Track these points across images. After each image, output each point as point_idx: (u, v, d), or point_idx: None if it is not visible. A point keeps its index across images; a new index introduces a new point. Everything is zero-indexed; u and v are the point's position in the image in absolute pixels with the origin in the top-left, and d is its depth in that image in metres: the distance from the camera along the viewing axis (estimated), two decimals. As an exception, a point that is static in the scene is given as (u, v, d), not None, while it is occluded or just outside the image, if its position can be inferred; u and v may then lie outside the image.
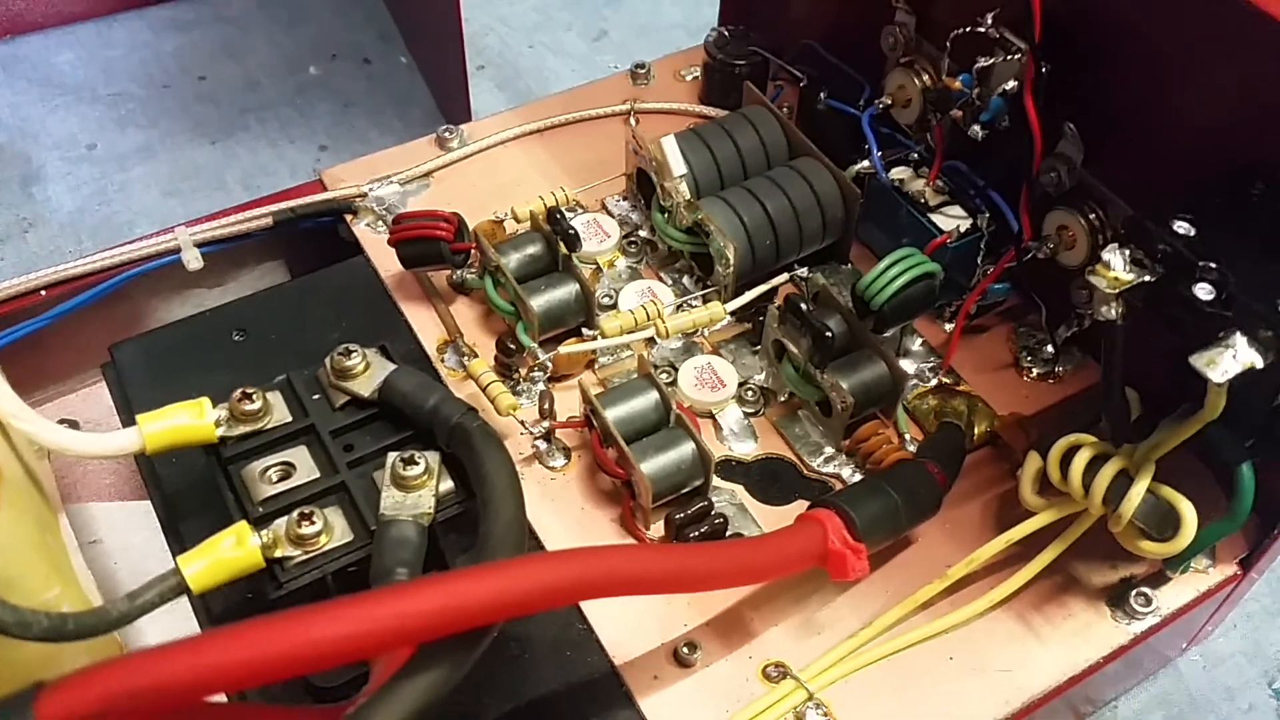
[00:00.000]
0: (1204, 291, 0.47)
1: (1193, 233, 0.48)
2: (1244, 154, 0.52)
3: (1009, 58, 0.58)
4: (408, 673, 0.40)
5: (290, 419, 0.53)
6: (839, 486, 0.59)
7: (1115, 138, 0.57)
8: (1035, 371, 0.65)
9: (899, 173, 0.67)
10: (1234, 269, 0.46)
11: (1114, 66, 0.56)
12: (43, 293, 0.66)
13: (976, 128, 0.60)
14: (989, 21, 0.58)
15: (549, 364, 0.62)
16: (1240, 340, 0.45)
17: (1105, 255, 0.48)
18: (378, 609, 0.37)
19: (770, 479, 0.60)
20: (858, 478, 0.59)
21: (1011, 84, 0.58)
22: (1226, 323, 0.46)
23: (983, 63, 0.58)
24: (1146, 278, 0.48)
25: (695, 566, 0.47)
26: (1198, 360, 0.45)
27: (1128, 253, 0.48)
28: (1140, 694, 0.68)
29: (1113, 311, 0.49)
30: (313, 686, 0.50)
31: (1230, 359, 0.45)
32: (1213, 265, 0.47)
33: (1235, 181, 0.51)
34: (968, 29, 0.59)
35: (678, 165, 0.65)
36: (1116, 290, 0.48)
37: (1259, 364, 0.45)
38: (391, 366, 0.54)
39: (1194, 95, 0.54)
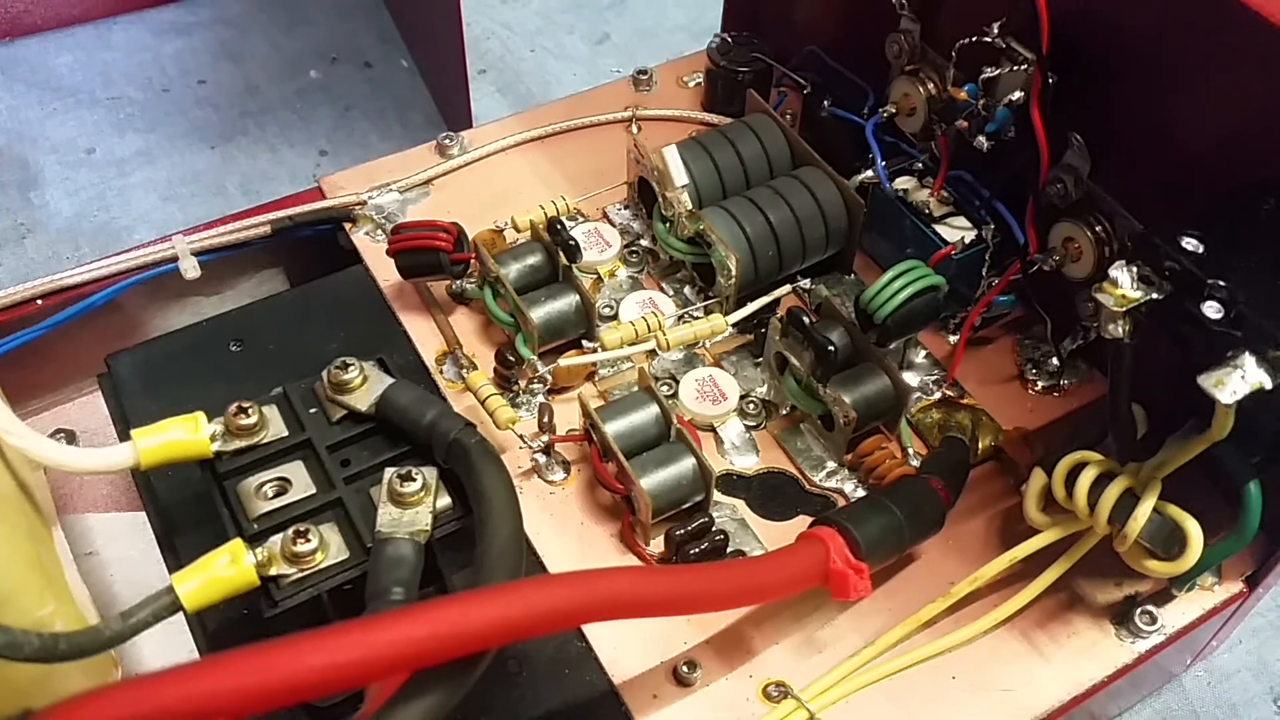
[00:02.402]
0: (1213, 310, 0.46)
1: (1201, 249, 0.47)
2: (1254, 169, 0.51)
3: (1015, 68, 0.57)
4: (404, 697, 0.39)
5: (286, 433, 0.52)
6: (841, 501, 0.59)
7: (1122, 150, 0.56)
8: (1040, 384, 0.64)
9: (903, 183, 0.66)
10: (1243, 287, 0.46)
11: (1121, 78, 0.56)
12: (39, 302, 0.65)
13: (982, 139, 0.59)
14: (995, 31, 0.57)
15: (548, 376, 0.61)
16: (1249, 360, 0.44)
17: (1113, 273, 0.47)
18: (375, 636, 0.37)
19: (772, 493, 0.59)
20: (860, 492, 0.59)
21: (1018, 94, 0.57)
22: (1235, 342, 0.45)
23: (989, 73, 0.58)
24: (1154, 295, 0.47)
25: (695, 589, 0.47)
26: (1206, 380, 0.44)
27: (1135, 270, 0.48)
28: (1144, 710, 0.67)
29: (1120, 329, 0.48)
30: (309, 705, 0.50)
31: (1239, 379, 0.44)
32: (1222, 283, 0.46)
33: (1245, 197, 0.50)
34: (973, 38, 0.58)
35: (680, 175, 0.64)
36: (1124, 308, 0.47)
37: (1268, 384, 0.44)
38: (389, 380, 0.53)
39: (1203, 108, 0.53)
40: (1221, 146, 0.53)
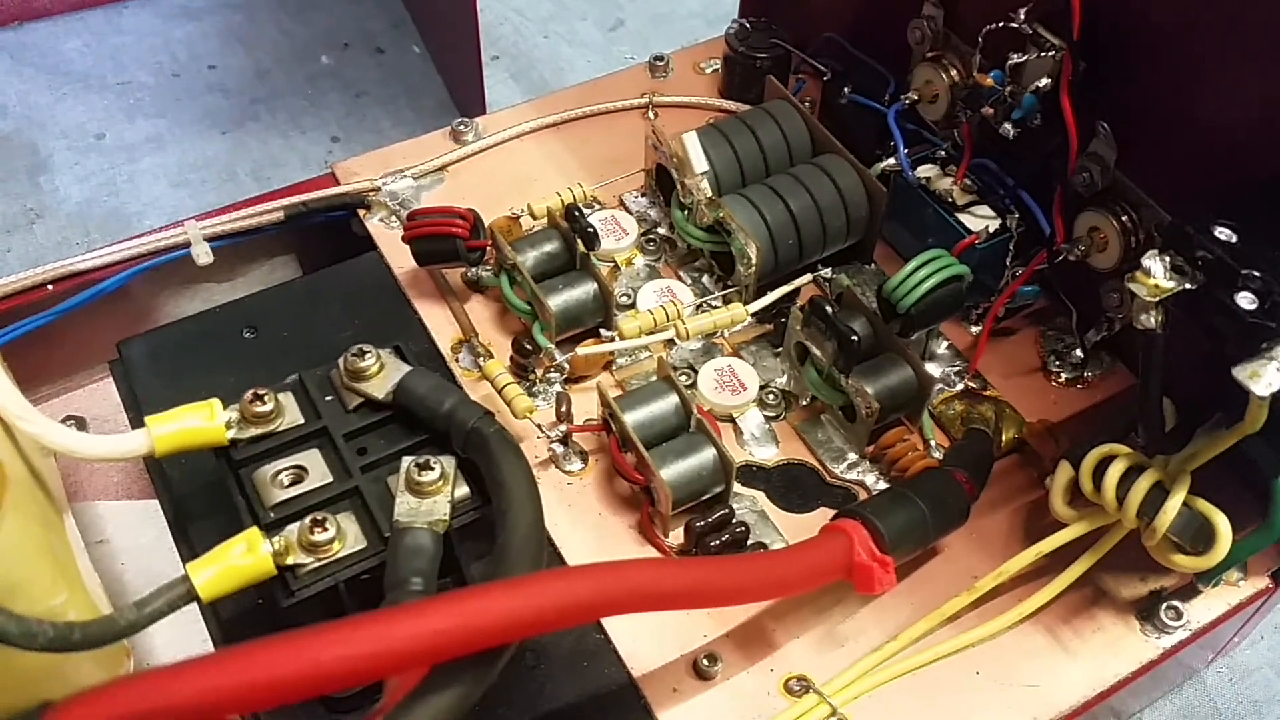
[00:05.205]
0: (1246, 300, 0.45)
1: (1235, 239, 0.46)
2: (1288, 157, 0.50)
3: (1042, 54, 0.56)
4: (423, 692, 0.39)
5: (303, 421, 0.51)
6: (862, 494, 0.58)
7: (1150, 138, 0.55)
8: (1064, 376, 0.63)
9: (925, 170, 0.65)
10: (1278, 277, 0.45)
11: (1150, 65, 0.55)
12: (49, 287, 0.64)
13: (1008, 125, 0.58)
14: (1022, 17, 0.56)
15: (566, 365, 0.61)
16: (1285, 352, 0.43)
17: (1145, 262, 0.46)
18: (394, 629, 0.36)
19: (792, 485, 0.59)
20: (882, 485, 0.58)
21: (1045, 81, 0.56)
22: (1270, 333, 0.44)
23: (1015, 59, 0.57)
24: (1187, 285, 0.46)
25: (718, 582, 0.46)
26: (1240, 372, 0.43)
27: (1168, 259, 0.47)
28: (1165, 706, 0.67)
29: (1152, 320, 0.47)
30: (327, 697, 0.49)
31: (1275, 371, 0.43)
32: (1256, 273, 0.45)
33: (1278, 186, 0.49)
34: (1000, 24, 0.57)
35: (699, 162, 0.63)
36: (1156, 298, 0.46)
37: (1304, 377, 0.43)
38: (406, 368, 0.52)
39: (1233, 96, 0.52)
40: (1252, 135, 0.52)
